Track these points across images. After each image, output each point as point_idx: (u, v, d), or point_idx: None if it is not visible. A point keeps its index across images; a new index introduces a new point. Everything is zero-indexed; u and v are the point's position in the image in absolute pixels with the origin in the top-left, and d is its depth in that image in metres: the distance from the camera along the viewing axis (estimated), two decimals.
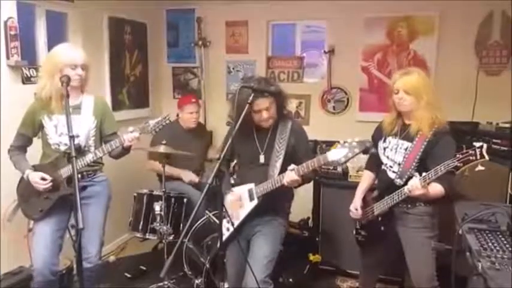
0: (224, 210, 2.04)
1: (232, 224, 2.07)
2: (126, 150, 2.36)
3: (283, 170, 2.06)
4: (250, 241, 2.19)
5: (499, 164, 2.57)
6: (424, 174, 1.99)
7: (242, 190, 2.15)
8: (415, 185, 1.98)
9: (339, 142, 1.87)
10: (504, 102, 3.10)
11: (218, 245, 1.91)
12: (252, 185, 2.11)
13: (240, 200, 2.13)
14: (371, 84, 3.63)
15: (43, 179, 2.24)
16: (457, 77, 3.33)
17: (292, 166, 1.98)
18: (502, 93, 3.17)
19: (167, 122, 2.34)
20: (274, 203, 2.14)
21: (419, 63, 3.41)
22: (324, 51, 3.66)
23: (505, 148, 2.61)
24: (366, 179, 2.47)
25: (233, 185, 2.25)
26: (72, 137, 1.96)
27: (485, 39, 3.28)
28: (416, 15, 3.40)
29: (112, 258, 3.51)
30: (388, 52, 3.54)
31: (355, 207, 2.38)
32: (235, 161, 2.30)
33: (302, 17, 3.78)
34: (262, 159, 2.14)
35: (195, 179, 3.30)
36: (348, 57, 3.62)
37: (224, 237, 2.12)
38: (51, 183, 2.24)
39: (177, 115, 3.42)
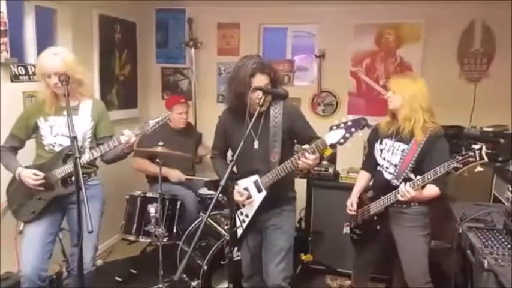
0: (235, 209, 2.05)
1: (247, 216, 2.09)
2: (126, 153, 2.32)
3: (283, 155, 2.05)
4: (264, 234, 2.21)
5: (483, 166, 2.71)
6: (417, 177, 2.07)
7: (248, 183, 2.12)
8: (405, 190, 2.06)
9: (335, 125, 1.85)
10: (485, 108, 3.29)
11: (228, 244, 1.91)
12: (256, 177, 2.10)
13: (249, 193, 2.11)
14: (359, 88, 3.73)
15: (35, 174, 2.18)
16: (440, 83, 3.47)
17: (305, 146, 1.95)
18: (482, 99, 3.34)
19: (166, 122, 2.30)
20: (280, 192, 2.15)
21: (406, 69, 3.54)
22: (315, 56, 3.74)
23: (489, 151, 2.75)
24: (363, 179, 2.54)
25: (236, 179, 2.20)
26: (75, 138, 1.93)
27: (467, 47, 3.45)
28: (404, 23, 3.53)
29: (99, 262, 3.42)
30: (376, 58, 3.65)
31: (351, 203, 2.46)
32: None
33: (293, 21, 3.83)
34: (256, 145, 2.10)
35: (183, 177, 3.28)
36: (338, 62, 3.70)
37: (240, 231, 2.15)
38: (43, 181, 2.18)
39: None
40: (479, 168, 1.84)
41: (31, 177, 2.18)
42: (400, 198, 2.12)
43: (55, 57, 2.17)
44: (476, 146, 1.84)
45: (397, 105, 2.23)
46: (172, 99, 3.47)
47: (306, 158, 1.90)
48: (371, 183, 2.51)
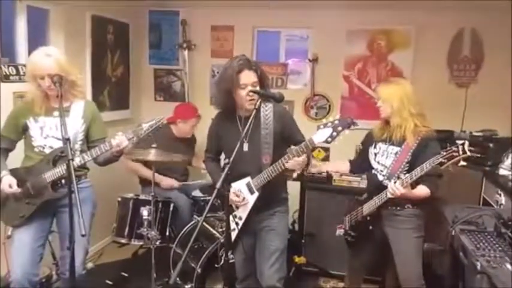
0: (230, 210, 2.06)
1: (240, 218, 2.10)
2: (116, 156, 2.29)
3: (275, 157, 2.06)
4: (258, 235, 2.22)
5: (473, 169, 2.79)
6: (406, 175, 2.11)
7: (240, 185, 2.14)
8: (394, 187, 2.10)
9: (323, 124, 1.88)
10: (474, 112, 3.36)
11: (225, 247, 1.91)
12: (248, 179, 2.11)
13: (241, 195, 2.13)
14: (351, 92, 3.78)
15: (11, 184, 2.15)
16: (430, 88, 3.52)
17: (291, 148, 1.99)
18: (471, 104, 3.41)
19: (161, 126, 2.26)
20: (273, 194, 2.17)
21: (397, 74, 3.60)
22: (309, 60, 3.78)
23: (478, 155, 2.81)
24: (342, 165, 2.68)
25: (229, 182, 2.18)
26: (68, 140, 1.91)
27: (456, 53, 3.52)
28: (395, 29, 3.59)
29: (90, 265, 3.37)
30: (368, 63, 3.71)
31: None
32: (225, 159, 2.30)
33: (287, 25, 3.86)
34: (246, 147, 2.09)
35: (175, 184, 3.28)
36: (331, 66, 3.75)
37: (233, 233, 2.15)
38: (18, 190, 2.16)
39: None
40: (462, 163, 1.89)
41: (6, 184, 2.15)
42: (389, 195, 2.15)
43: (48, 58, 2.12)
44: (460, 142, 1.90)
45: (388, 113, 2.29)
46: (188, 112, 3.35)
47: (292, 160, 1.95)
48: (365, 186, 2.54)
